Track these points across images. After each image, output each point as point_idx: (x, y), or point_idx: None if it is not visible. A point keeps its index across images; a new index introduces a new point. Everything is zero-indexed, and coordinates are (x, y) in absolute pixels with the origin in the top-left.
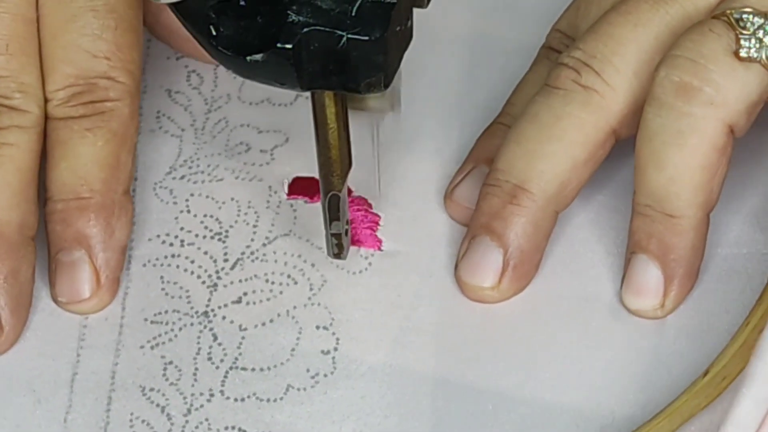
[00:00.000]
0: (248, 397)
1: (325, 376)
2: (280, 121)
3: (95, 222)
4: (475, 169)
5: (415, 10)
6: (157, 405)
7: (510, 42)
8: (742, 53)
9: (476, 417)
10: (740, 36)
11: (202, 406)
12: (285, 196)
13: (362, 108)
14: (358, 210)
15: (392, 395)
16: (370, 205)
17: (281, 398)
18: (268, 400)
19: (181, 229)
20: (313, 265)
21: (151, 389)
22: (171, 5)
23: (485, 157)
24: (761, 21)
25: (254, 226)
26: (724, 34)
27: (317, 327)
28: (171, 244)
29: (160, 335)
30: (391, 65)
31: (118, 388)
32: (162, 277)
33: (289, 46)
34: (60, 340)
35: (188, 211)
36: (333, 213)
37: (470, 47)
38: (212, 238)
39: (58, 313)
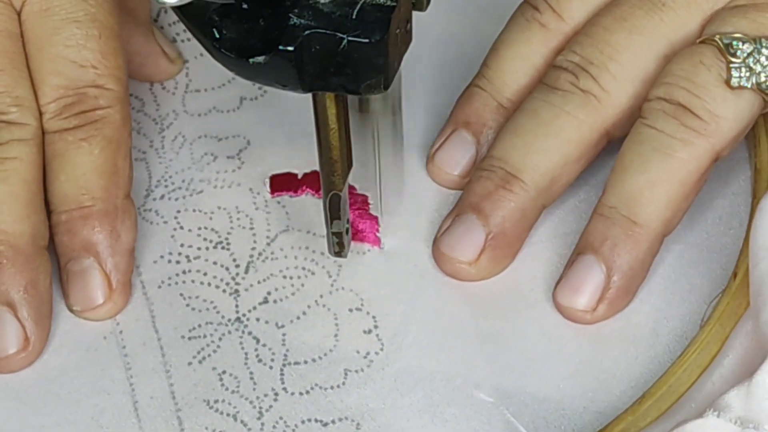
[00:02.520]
0: (312, 388)
1: (377, 353)
2: (234, 127)
3: (100, 228)
4: (454, 133)
5: (415, 13)
6: (228, 414)
7: (480, 36)
8: (734, 83)
9: (531, 361)
10: (731, 65)
11: (271, 406)
12: (269, 195)
13: (366, 110)
14: (357, 209)
15: (447, 358)
16: (367, 204)
17: (343, 383)
18: (332, 388)
19: (182, 245)
20: (322, 253)
21: (216, 401)
22: (175, 8)
23: (464, 120)
24: (750, 48)
25: (251, 229)
26: (714, 64)
27: (350, 310)
28: (178, 262)
29: (203, 348)
30: (391, 67)
31: (184, 406)
32: (182, 294)
33: (290, 48)
34: (106, 373)
35: (181, 228)
36: (334, 212)
37: (445, 45)
38: (215, 247)
39: (96, 346)
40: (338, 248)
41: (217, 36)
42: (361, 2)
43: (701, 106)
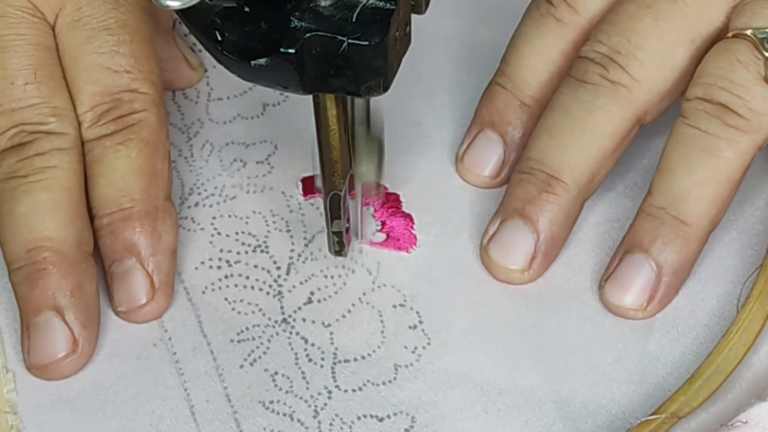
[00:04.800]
0: (364, 385)
1: (424, 348)
2: (260, 133)
3: (141, 229)
4: (480, 134)
5: (414, 16)
6: (284, 414)
7: (499, 38)
8: None
9: (576, 348)
10: None
11: (326, 404)
12: (302, 198)
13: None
14: (390, 207)
15: (493, 349)
16: (400, 202)
17: (395, 378)
18: (384, 383)
19: (221, 250)
20: (360, 251)
21: (271, 401)
22: (178, 11)
23: (488, 120)
24: None
25: (288, 231)
26: (752, 62)
27: (394, 306)
28: (219, 267)
29: (253, 351)
30: (391, 69)
31: (240, 408)
32: (226, 299)
33: (292, 50)
34: (160, 379)
35: (219, 233)
36: (335, 212)
37: (464, 46)
38: (254, 251)
39: (147, 354)
40: (338, 247)
41: (220, 38)
42: (360, 5)
43: (742, 105)
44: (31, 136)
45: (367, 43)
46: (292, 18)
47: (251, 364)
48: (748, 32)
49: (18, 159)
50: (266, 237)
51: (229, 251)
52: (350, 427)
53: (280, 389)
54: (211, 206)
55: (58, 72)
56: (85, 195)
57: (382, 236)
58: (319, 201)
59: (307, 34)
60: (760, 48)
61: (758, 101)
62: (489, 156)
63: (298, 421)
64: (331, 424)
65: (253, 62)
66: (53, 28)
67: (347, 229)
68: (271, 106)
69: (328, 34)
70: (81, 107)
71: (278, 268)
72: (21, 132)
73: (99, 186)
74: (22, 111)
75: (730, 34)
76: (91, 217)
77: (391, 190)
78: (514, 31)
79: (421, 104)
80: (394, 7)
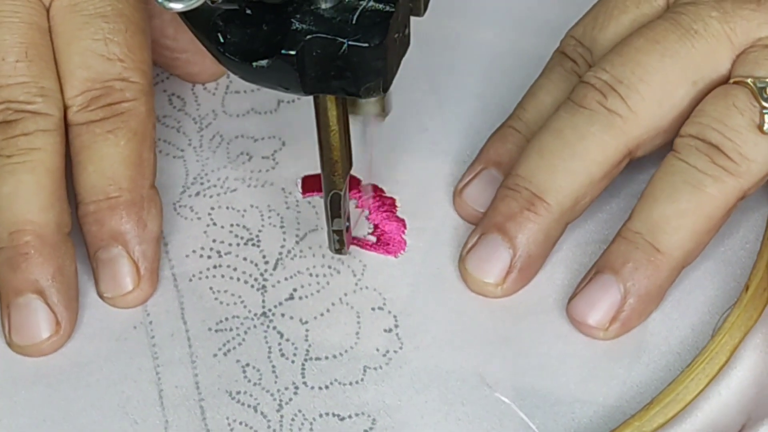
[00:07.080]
0: (331, 383)
1: (395, 352)
2: (270, 128)
3: (127, 218)
4: (484, 171)
5: (413, 19)
6: (249, 406)
7: (525, 53)
8: (766, 128)
9: (546, 364)
10: (764, 111)
11: (291, 399)
12: (300, 195)
13: (355, 112)
14: (385, 211)
15: (463, 359)
16: (395, 207)
17: (362, 379)
18: (351, 384)
19: (214, 241)
20: (349, 253)
21: (238, 392)
22: (180, 13)
23: (495, 160)
24: None
25: (281, 227)
26: (747, 108)
27: (372, 309)
28: (209, 257)
29: (228, 341)
30: (390, 70)
31: (207, 396)
32: (211, 288)
33: (292, 52)
34: (134, 361)
35: (214, 224)
36: (335, 211)
37: (488, 57)
38: (246, 244)
39: (126, 335)
40: (339, 245)
41: (222, 40)
42: (360, 8)
43: (733, 149)
44: (17, 115)
45: (366, 44)
46: (292, 20)
47: (225, 354)
48: (749, 80)
49: (3, 137)
50: (260, 231)
51: (222, 242)
52: (311, 423)
53: (249, 381)
54: (211, 197)
55: (49, 53)
56: (69, 179)
57: (373, 238)
58: (316, 200)
59: (308, 36)
60: (758, 96)
61: (749, 147)
62: (490, 194)
63: (261, 413)
64: (292, 420)
65: (254, 64)
66: (48, 11)
67: (348, 228)
68: (286, 102)
69: (329, 36)
70: (71, 90)
71: (266, 262)
72: (7, 109)
73: (87, 173)
74: (11, 88)
75: (731, 81)
76: (76, 202)
77: (388, 194)
78: (534, 82)
79: (431, 111)
80: (393, 9)
